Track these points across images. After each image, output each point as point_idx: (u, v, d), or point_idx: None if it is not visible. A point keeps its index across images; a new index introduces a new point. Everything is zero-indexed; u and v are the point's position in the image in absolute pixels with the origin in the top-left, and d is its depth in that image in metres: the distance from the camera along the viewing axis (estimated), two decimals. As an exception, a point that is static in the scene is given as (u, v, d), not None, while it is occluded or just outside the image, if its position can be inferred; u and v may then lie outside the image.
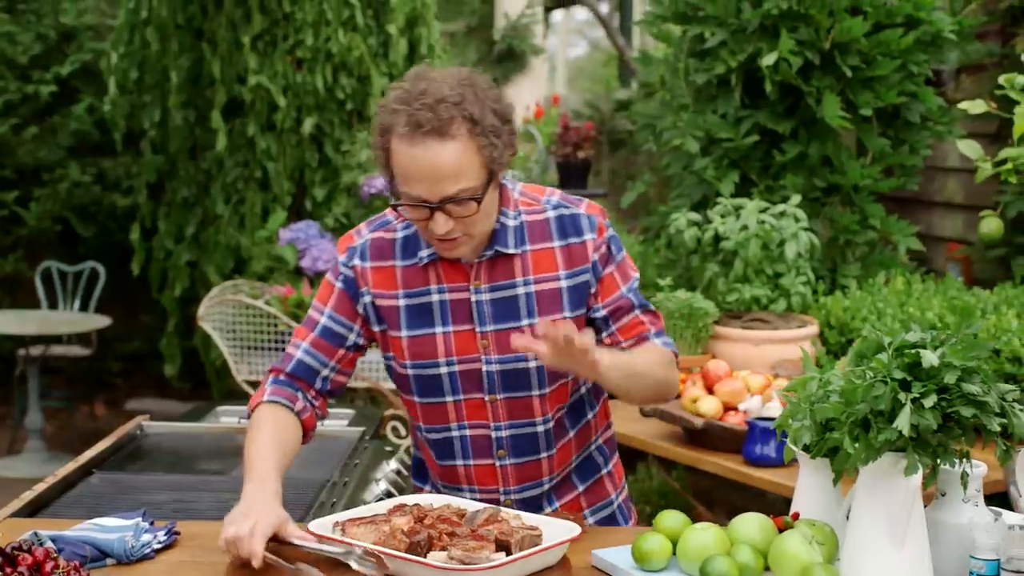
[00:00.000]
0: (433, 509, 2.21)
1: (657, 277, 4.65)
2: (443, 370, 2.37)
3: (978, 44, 5.24)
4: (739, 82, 4.83)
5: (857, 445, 1.94)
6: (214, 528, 2.36)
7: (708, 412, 3.67)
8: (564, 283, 2.35)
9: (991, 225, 4.19)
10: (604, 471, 2.54)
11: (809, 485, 2.23)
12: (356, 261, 2.39)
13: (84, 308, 8.04)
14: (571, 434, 2.45)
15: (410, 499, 2.28)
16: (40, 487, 2.68)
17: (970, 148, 4.11)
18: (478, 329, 2.35)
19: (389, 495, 2.95)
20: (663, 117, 5.26)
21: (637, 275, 2.44)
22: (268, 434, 2.31)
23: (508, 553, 2.03)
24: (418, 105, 2.14)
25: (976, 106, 4.24)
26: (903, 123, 4.94)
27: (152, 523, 2.33)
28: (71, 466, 2.86)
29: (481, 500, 2.40)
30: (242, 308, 5.51)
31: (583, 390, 2.46)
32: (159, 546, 2.25)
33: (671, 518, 2.19)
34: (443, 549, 2.04)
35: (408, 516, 2.16)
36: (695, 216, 4.57)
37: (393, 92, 2.22)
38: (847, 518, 2.26)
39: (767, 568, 2.08)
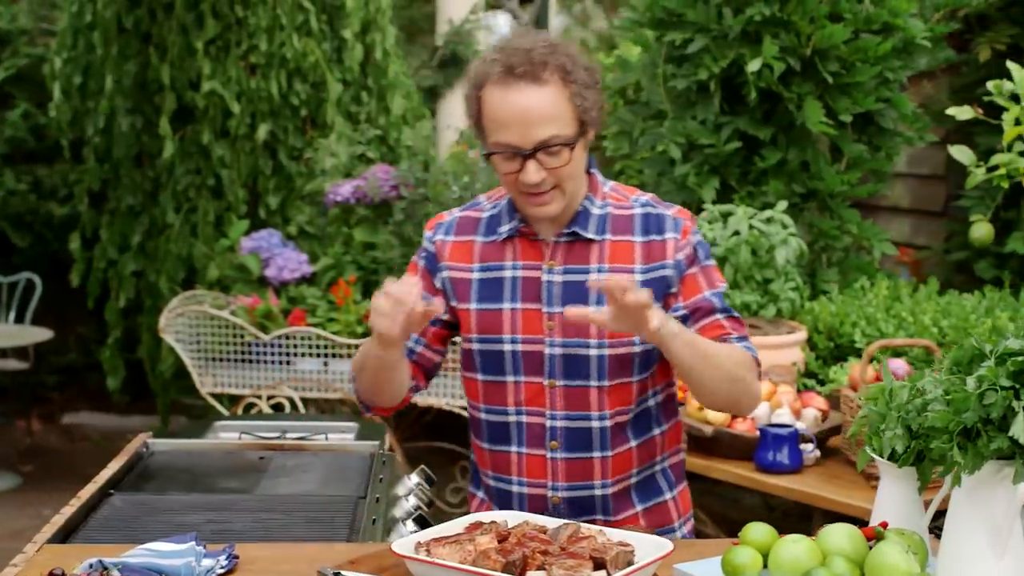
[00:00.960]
0: (513, 527, 2.14)
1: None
2: (507, 347, 2.36)
3: (949, 51, 5.29)
4: (718, 88, 4.82)
5: (964, 454, 1.91)
6: (272, 551, 2.29)
7: (716, 420, 3.64)
8: (639, 276, 2.32)
9: (982, 230, 4.22)
10: (668, 496, 2.49)
11: (892, 494, 2.20)
12: (439, 236, 2.44)
13: (20, 320, 7.81)
14: (632, 444, 2.39)
15: (485, 516, 2.21)
16: (67, 511, 2.57)
17: (962, 154, 4.14)
18: (545, 309, 2.34)
19: (418, 509, 2.87)
20: (635, 123, 5.23)
21: (725, 285, 2.41)
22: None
23: (603, 569, 1.97)
24: (511, 51, 2.20)
25: (963, 112, 4.27)
26: (876, 129, 4.97)
27: (204, 546, 2.24)
28: (90, 488, 2.75)
29: (528, 494, 2.39)
30: (206, 319, 5.37)
31: (651, 402, 2.41)
32: (222, 571, 2.17)
33: (758, 530, 2.15)
34: (540, 568, 1.97)
35: (490, 535, 2.10)
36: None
37: (486, 52, 2.29)
38: (928, 527, 2.25)
39: (862, 580, 2.05)
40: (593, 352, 2.31)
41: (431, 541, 2.08)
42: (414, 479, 3.12)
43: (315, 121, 6.48)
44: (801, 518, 3.81)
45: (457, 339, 2.52)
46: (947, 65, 5.87)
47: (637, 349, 2.32)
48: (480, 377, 2.41)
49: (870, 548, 2.10)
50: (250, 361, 5.37)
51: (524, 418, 2.38)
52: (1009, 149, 4.13)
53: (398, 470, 3.18)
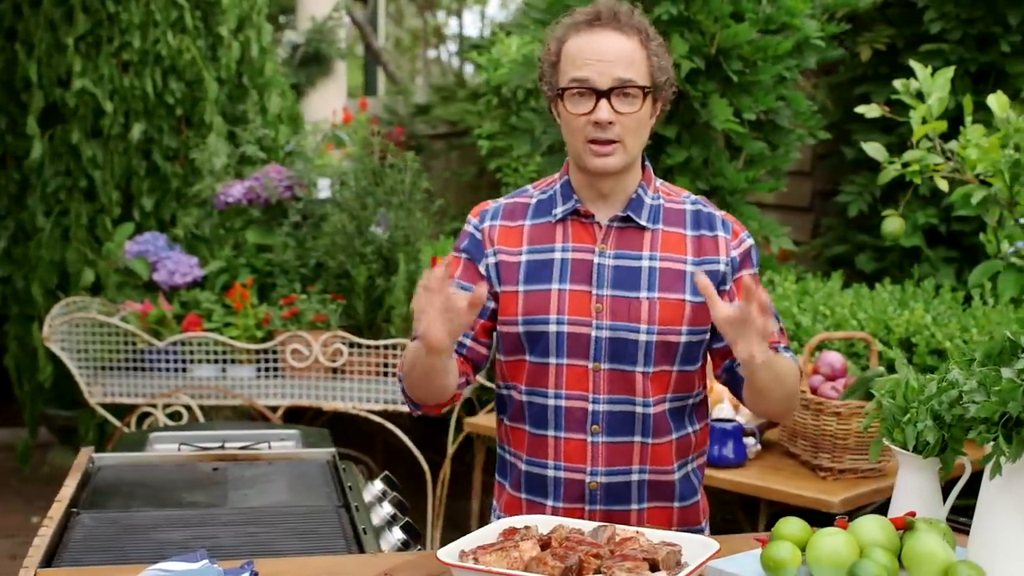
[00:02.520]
0: (550, 532, 2.12)
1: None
2: (552, 328, 2.33)
3: (841, 50, 5.43)
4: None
5: (1009, 443, 1.96)
6: (292, 567, 2.22)
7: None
8: (689, 267, 2.34)
9: (894, 224, 4.35)
10: (698, 497, 2.49)
11: (913, 485, 2.25)
12: (487, 222, 2.44)
13: None
14: (672, 436, 2.38)
15: (516, 521, 2.17)
16: (45, 532, 2.44)
17: (876, 151, 4.26)
18: (595, 292, 2.33)
19: (396, 517, 2.81)
20: (536, 123, 5.22)
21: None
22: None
23: (656, 570, 1.96)
24: (599, 7, 2.29)
25: (872, 110, 4.40)
26: (772, 126, 5.08)
27: (216, 563, 2.15)
28: (58, 507, 2.61)
29: (565, 479, 2.37)
30: (95, 326, 5.17)
31: (690, 401, 2.40)
32: (249, 588, 2.07)
33: (793, 525, 2.16)
34: (597, 572, 1.95)
35: (532, 540, 2.06)
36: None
37: (567, 17, 2.35)
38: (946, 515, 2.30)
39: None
40: (643, 337, 2.31)
41: (477, 549, 2.04)
42: (378, 485, 3.06)
43: (190, 121, 6.27)
44: (748, 510, 3.87)
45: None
46: (824, 65, 6.04)
47: (683, 339, 2.33)
48: (529, 359, 2.38)
49: (900, 538, 2.14)
50: (143, 369, 5.18)
51: (563, 402, 2.36)
52: (916, 145, 4.26)
53: (359, 477, 3.12)
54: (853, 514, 3.58)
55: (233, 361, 5.14)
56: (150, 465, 3.14)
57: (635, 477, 2.37)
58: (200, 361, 5.14)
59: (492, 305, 2.41)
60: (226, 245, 5.60)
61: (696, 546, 2.06)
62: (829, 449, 3.46)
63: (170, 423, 5.04)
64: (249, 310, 5.13)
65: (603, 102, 2.24)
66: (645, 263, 2.33)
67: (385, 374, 5.08)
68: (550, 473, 2.40)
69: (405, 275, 5.03)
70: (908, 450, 2.21)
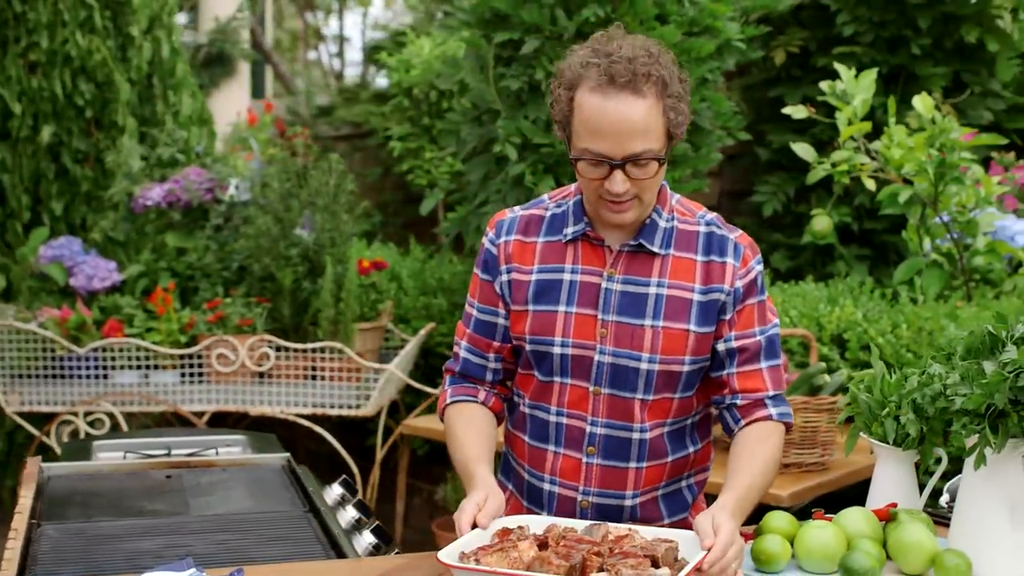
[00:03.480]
0: (544, 531, 2.13)
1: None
2: (557, 350, 2.34)
3: (760, 52, 5.53)
4: (548, 88, 4.87)
5: (995, 433, 2.02)
6: (281, 573, 2.19)
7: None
8: (696, 296, 2.31)
9: (822, 223, 4.45)
10: (686, 514, 2.49)
11: (891, 476, 2.31)
12: (502, 237, 2.42)
13: None
14: (667, 459, 2.39)
15: (511, 521, 2.18)
16: (14, 545, 2.38)
17: (805, 151, 4.36)
18: (600, 316, 2.32)
19: (360, 521, 2.79)
20: (461, 123, 5.23)
21: (777, 321, 2.40)
22: (464, 430, 2.40)
23: (657, 566, 1.98)
24: (615, 58, 2.16)
25: (798, 111, 4.49)
26: (693, 127, 5.15)
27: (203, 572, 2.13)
28: (20, 520, 2.55)
29: (559, 495, 2.39)
30: (11, 333, 5.04)
31: (689, 421, 2.41)
32: (242, 596, 2.05)
33: (780, 519, 2.20)
34: (601, 570, 1.97)
35: (529, 540, 2.08)
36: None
37: (580, 51, 2.24)
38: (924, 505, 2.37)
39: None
40: (644, 366, 2.30)
41: (478, 550, 2.04)
42: (337, 489, 3.04)
43: (100, 123, 6.15)
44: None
45: None
46: (738, 67, 6.14)
47: (686, 368, 2.32)
48: (538, 376, 2.40)
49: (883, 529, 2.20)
50: (63, 376, 5.06)
51: (564, 420, 2.37)
52: (843, 146, 4.36)
53: (316, 482, 3.09)
54: (800, 507, 3.66)
55: (156, 367, 5.05)
56: (102, 474, 3.08)
57: (628, 502, 2.39)
58: (122, 367, 5.04)
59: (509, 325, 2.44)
60: (144, 249, 5.49)
61: (691, 542, 2.08)
62: (775, 444, 3.52)
63: (92, 432, 4.94)
64: (172, 314, 5.04)
65: (617, 173, 2.19)
66: (652, 290, 2.32)
67: (313, 377, 5.04)
68: (546, 487, 2.42)
69: (332, 277, 4.99)
70: (888, 443, 2.26)
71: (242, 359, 4.96)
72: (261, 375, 5.08)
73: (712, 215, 2.39)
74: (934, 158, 4.14)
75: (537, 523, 2.19)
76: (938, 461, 2.36)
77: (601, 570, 1.97)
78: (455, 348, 2.51)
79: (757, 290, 2.35)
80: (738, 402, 2.33)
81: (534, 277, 2.37)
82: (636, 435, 2.34)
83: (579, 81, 2.19)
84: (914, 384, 2.21)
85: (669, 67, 2.21)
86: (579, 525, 2.16)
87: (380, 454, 5.22)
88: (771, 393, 2.34)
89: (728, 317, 2.32)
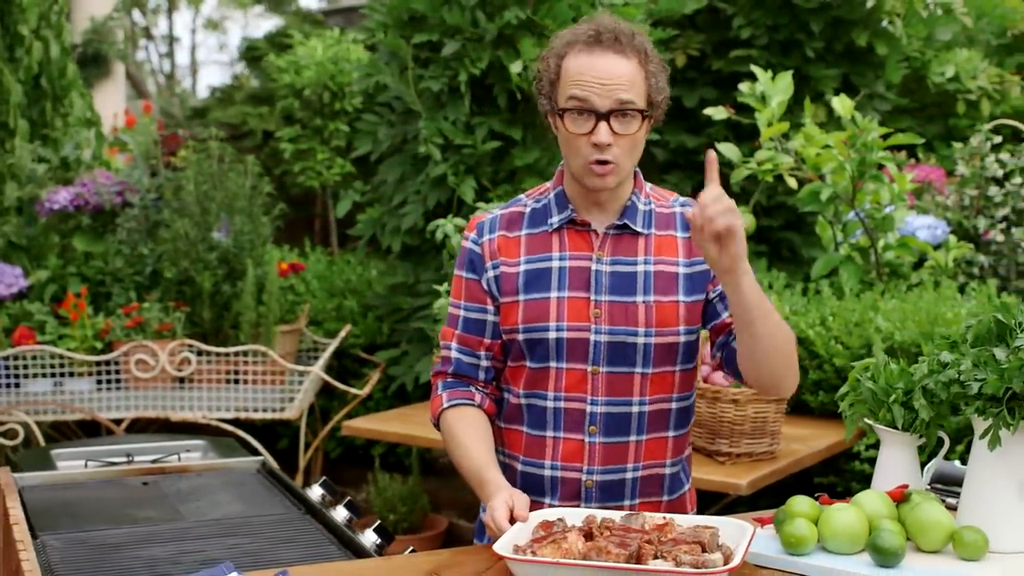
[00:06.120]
0: (584, 521, 2.19)
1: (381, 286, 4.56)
2: (552, 335, 2.40)
3: (669, 55, 5.66)
4: (468, 89, 4.93)
5: (1012, 416, 2.16)
6: (326, 573, 2.21)
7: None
8: (682, 270, 2.41)
9: (746, 220, 4.60)
10: (685, 489, 2.58)
11: (895, 459, 2.42)
12: (485, 236, 2.48)
13: None
14: (669, 434, 2.47)
15: (549, 514, 2.23)
16: (28, 555, 2.33)
17: (730, 151, 4.50)
18: (593, 298, 2.39)
19: (351, 520, 2.80)
20: (379, 125, 5.24)
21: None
22: (469, 436, 2.43)
23: (703, 550, 2.06)
24: (601, 26, 2.32)
25: (719, 112, 4.64)
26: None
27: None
28: (20, 531, 2.50)
29: (562, 478, 2.44)
30: (-85, 343, 4.88)
31: (691, 399, 2.50)
32: (295, 598, 2.06)
33: (803, 503, 2.30)
34: (656, 557, 2.03)
35: (575, 531, 2.13)
36: (461, 222, 4.62)
37: (566, 31, 2.39)
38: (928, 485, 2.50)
39: (905, 538, 2.24)
40: (640, 340, 2.38)
41: (532, 541, 2.09)
42: (318, 491, 3.05)
43: (-11, 123, 5.97)
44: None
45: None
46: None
47: (682, 339, 2.41)
48: (529, 364, 2.44)
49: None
50: (-25, 386, 4.93)
51: (563, 404, 2.43)
52: (763, 146, 4.51)
53: (293, 482, 3.09)
54: (757, 494, 3.79)
55: (71, 374, 4.95)
56: (77, 483, 3.02)
57: (629, 475, 2.46)
58: (35, 376, 4.92)
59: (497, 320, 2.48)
60: (50, 254, 5.36)
61: (732, 528, 2.16)
62: (727, 435, 3.64)
63: (6, 442, 4.81)
64: (86, 321, 4.94)
65: (603, 124, 2.29)
66: (640, 268, 2.41)
67: (236, 381, 5.00)
68: (547, 472, 2.46)
69: (253, 280, 4.96)
70: (898, 428, 2.38)
71: (162, 364, 4.89)
72: (181, 380, 5.01)
73: (684, 198, 2.51)
74: (854, 157, 4.32)
75: (575, 515, 2.24)
76: (940, 443, 2.49)
77: (657, 557, 2.04)
78: (443, 352, 2.53)
79: None
80: None
81: (522, 268, 2.43)
82: (635, 408, 2.42)
83: (568, 48, 2.33)
84: (924, 371, 2.33)
85: (649, 44, 2.37)
86: (616, 516, 2.22)
87: (307, 456, 5.20)
88: None
89: (713, 275, 2.41)
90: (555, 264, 2.42)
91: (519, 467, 2.50)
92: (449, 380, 2.52)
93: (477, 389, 2.50)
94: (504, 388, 2.53)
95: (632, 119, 2.30)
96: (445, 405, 2.49)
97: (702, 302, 2.42)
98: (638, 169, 2.47)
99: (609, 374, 2.41)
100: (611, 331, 2.39)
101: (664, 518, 2.22)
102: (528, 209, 2.48)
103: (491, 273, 2.46)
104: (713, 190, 2.14)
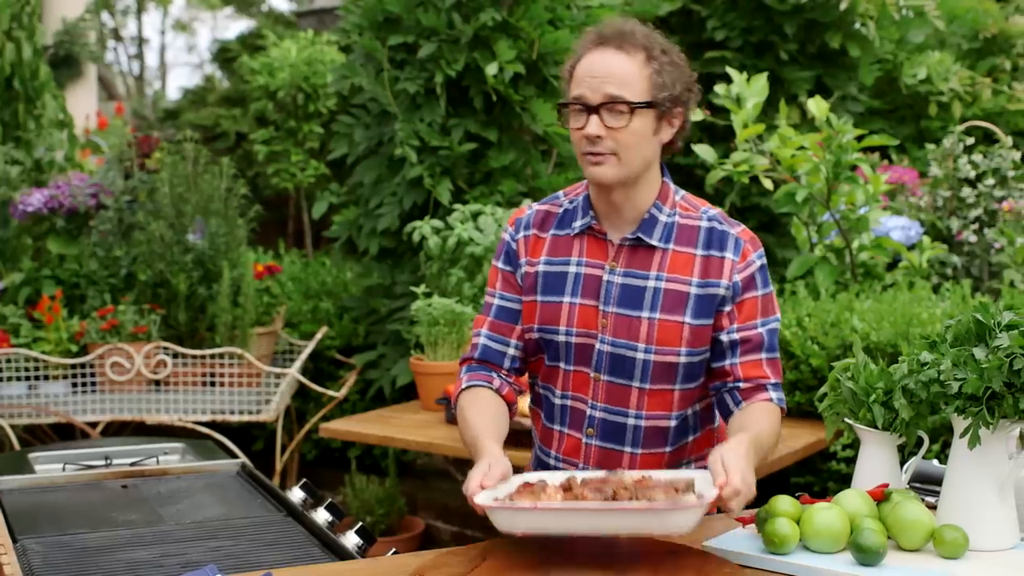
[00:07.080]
0: (565, 480, 2.18)
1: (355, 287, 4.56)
2: (561, 338, 2.46)
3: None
4: (443, 91, 4.93)
5: (992, 415, 2.18)
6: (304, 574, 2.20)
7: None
8: (694, 290, 2.40)
9: (722, 222, 4.62)
10: None
11: (875, 458, 2.44)
12: (520, 233, 2.54)
13: None
14: (666, 449, 2.49)
15: (531, 476, 2.23)
16: (10, 559, 2.33)
17: (706, 152, 4.52)
18: (601, 307, 2.42)
19: (333, 523, 2.80)
20: (355, 126, 5.23)
21: (778, 317, 2.50)
22: (475, 412, 2.42)
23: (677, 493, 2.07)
24: (605, 27, 2.39)
25: (694, 114, 4.65)
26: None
27: (225, 577, 2.13)
28: (2, 534, 2.49)
29: (564, 471, 2.44)
30: None
31: (690, 412, 2.51)
32: (280, 600, 2.06)
33: (785, 502, 2.31)
34: (633, 497, 2.05)
35: (554, 486, 2.13)
36: (438, 223, 4.62)
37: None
38: (908, 484, 2.51)
39: (885, 536, 2.26)
40: (640, 356, 2.40)
41: (513, 494, 2.09)
42: (299, 493, 3.04)
43: (-40, 126, 5.93)
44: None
45: None
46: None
47: (683, 360, 2.41)
48: (545, 360, 2.52)
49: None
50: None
51: (568, 402, 2.50)
52: (738, 148, 4.53)
53: (274, 484, 3.09)
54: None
55: (46, 377, 4.92)
56: (56, 487, 3.01)
57: None
58: (9, 379, 4.89)
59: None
60: (24, 256, 5.33)
61: (705, 479, 2.15)
62: (705, 435, 3.66)
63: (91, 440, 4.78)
64: (61, 323, 4.91)
65: (593, 117, 2.32)
66: (651, 283, 2.41)
67: (212, 383, 4.98)
68: (551, 463, 2.56)
69: (229, 282, 4.94)
70: (878, 427, 2.40)
71: (138, 367, 4.87)
72: (157, 383, 4.99)
73: (715, 210, 2.50)
74: (829, 158, 4.35)
75: (555, 477, 2.23)
76: (920, 442, 2.51)
77: (634, 498, 2.04)
78: (473, 338, 2.58)
79: (758, 284, 2.46)
80: (740, 386, 2.44)
81: (541, 268, 2.49)
82: (631, 421, 2.45)
83: (580, 51, 2.39)
84: (903, 372, 2.35)
85: (661, 40, 2.41)
86: (597, 475, 2.22)
87: (284, 458, 5.19)
88: (772, 381, 2.45)
89: (728, 310, 2.42)
90: (572, 269, 2.47)
91: (537, 452, 2.61)
92: (473, 365, 2.56)
93: (499, 375, 2.53)
94: (532, 376, 2.60)
95: (622, 113, 2.31)
96: (463, 387, 2.53)
97: (710, 327, 2.42)
98: (668, 180, 2.48)
99: (609, 383, 2.45)
100: (613, 343, 2.43)
101: (642, 475, 2.21)
102: (561, 209, 2.53)
103: (523, 269, 2.52)
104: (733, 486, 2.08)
